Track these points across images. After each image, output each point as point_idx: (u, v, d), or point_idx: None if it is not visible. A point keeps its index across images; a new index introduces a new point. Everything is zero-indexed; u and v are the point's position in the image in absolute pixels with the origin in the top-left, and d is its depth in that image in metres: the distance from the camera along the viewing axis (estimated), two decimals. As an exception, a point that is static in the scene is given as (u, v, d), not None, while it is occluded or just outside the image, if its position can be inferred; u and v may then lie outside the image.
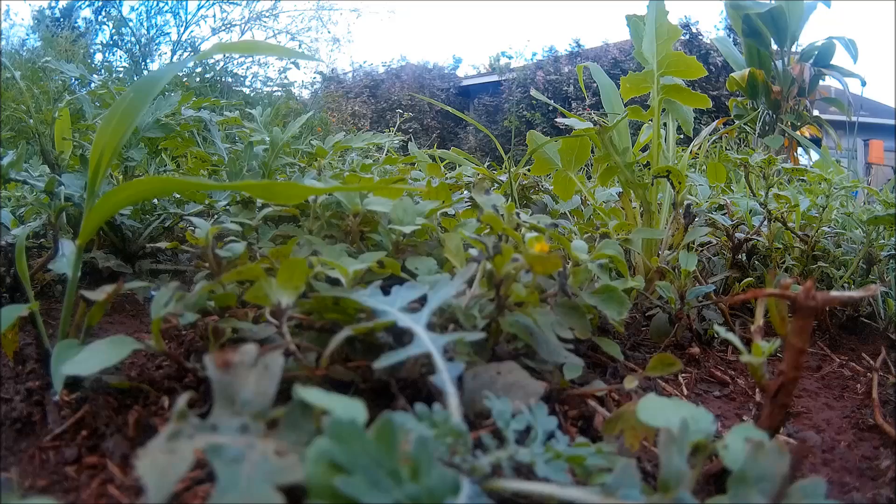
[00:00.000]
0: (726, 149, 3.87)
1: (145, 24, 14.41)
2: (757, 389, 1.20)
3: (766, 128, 8.52)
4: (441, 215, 1.26)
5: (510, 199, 1.83)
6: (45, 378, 0.85)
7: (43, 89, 1.72)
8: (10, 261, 1.17)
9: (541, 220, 1.13)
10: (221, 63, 10.67)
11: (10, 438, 0.76)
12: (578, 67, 2.10)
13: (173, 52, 14.17)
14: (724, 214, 1.73)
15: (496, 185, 1.96)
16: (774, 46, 8.96)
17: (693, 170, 2.19)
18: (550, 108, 13.84)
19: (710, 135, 2.06)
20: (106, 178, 0.92)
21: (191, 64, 8.89)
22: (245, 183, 0.77)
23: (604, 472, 0.58)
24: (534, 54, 18.93)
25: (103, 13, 14.38)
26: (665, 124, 1.74)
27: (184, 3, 15.22)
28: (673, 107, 1.69)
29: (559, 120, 1.62)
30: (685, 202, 1.49)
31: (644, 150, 1.75)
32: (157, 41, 14.38)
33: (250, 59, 13.00)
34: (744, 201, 1.81)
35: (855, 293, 0.69)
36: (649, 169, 1.58)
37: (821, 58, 9.01)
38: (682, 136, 1.91)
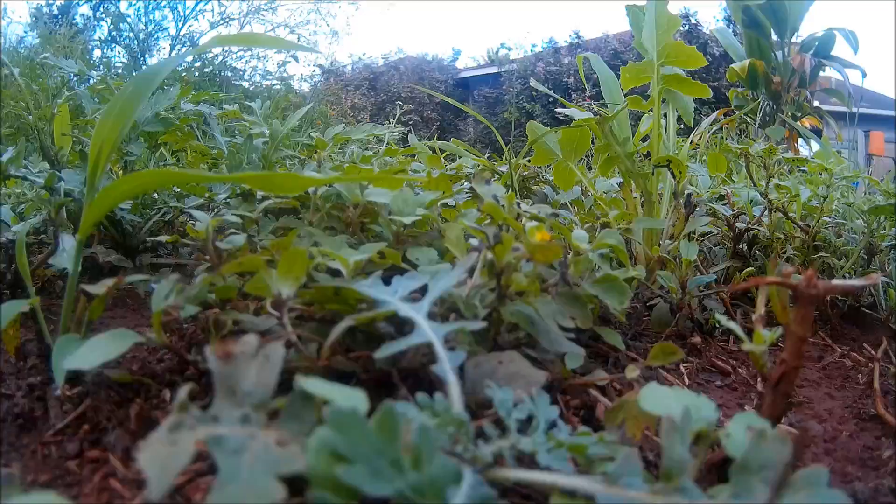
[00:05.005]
0: (727, 139, 3.86)
1: (143, 19, 14.38)
2: (759, 379, 1.19)
3: (767, 119, 8.50)
4: (442, 206, 1.25)
5: (510, 189, 1.83)
6: (47, 373, 0.85)
7: (42, 86, 1.71)
8: (11, 257, 1.17)
9: (541, 210, 1.13)
10: (220, 57, 10.66)
11: (13, 434, 0.75)
12: (578, 58, 2.09)
13: (172, 48, 14.16)
14: (724, 204, 1.73)
15: (496, 175, 1.96)
16: (774, 37, 8.94)
17: (694, 160, 2.19)
18: (551, 99, 13.82)
19: (710, 125, 2.06)
20: (106, 173, 0.91)
21: (189, 58, 8.88)
22: (244, 175, 0.77)
23: (606, 461, 0.58)
24: (533, 46, 18.89)
25: (101, 9, 14.36)
26: (665, 114, 1.73)
27: (182, -3, 15.19)
28: (673, 97, 1.69)
29: (560, 110, 1.62)
30: (686, 192, 1.49)
31: (644, 140, 1.75)
32: (155, 36, 14.36)
33: (249, 52, 12.98)
34: (744, 191, 1.81)
35: (856, 282, 0.69)
36: (650, 159, 1.58)
37: (821, 49, 8.98)
38: (682, 127, 1.91)
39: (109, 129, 0.85)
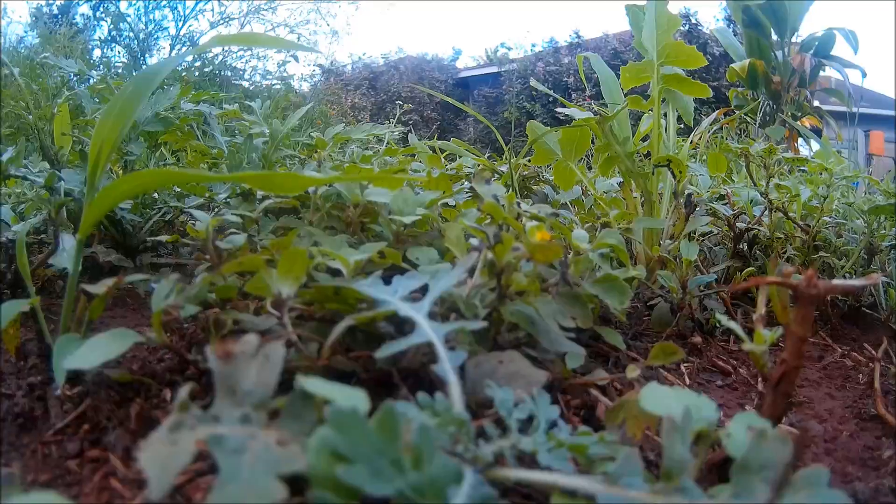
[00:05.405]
0: (727, 139, 3.86)
1: (143, 19, 14.40)
2: (759, 378, 1.19)
3: (767, 118, 8.50)
4: (442, 206, 1.25)
5: (511, 189, 1.83)
6: (47, 373, 0.85)
7: (42, 86, 1.71)
8: (11, 256, 1.17)
9: (541, 210, 1.12)
10: (220, 57, 10.67)
11: (13, 433, 0.75)
12: (578, 58, 2.09)
13: (172, 47, 14.17)
14: (725, 204, 1.73)
15: (497, 175, 1.96)
16: (774, 37, 8.93)
17: (694, 160, 2.19)
18: (551, 98, 13.82)
19: (710, 125, 2.05)
20: (106, 172, 0.91)
21: (190, 57, 8.88)
22: (244, 174, 0.77)
23: (606, 461, 0.58)
24: (533, 45, 18.87)
25: (101, 9, 14.37)
26: (665, 114, 1.73)
27: (181, -3, 15.19)
28: (673, 96, 1.69)
29: (560, 110, 1.62)
30: (686, 192, 1.49)
31: (644, 139, 1.75)
32: (155, 36, 14.37)
33: (249, 52, 13.00)
34: (745, 191, 1.81)
35: (856, 282, 0.69)
36: (650, 158, 1.58)
37: (821, 48, 8.98)
38: (682, 127, 1.91)
39: (109, 128, 0.85)
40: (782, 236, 1.76)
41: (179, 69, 7.12)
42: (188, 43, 14.33)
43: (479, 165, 2.07)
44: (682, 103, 1.71)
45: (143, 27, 14.10)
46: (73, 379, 0.82)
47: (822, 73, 9.21)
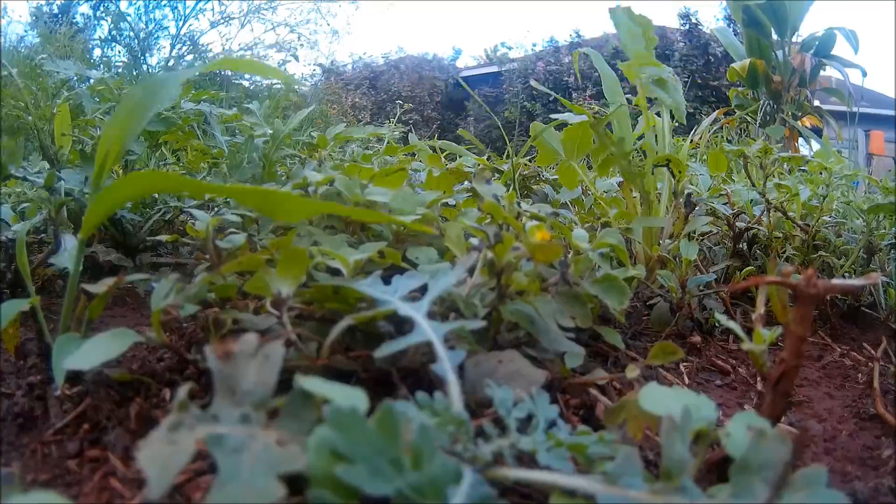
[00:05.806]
0: (728, 139, 3.86)
1: (144, 18, 14.38)
2: (758, 378, 1.19)
3: (767, 118, 8.49)
4: (442, 205, 1.25)
5: (511, 188, 1.83)
6: (47, 372, 0.85)
7: (42, 85, 1.71)
8: (11, 256, 1.18)
9: (542, 209, 1.13)
10: (221, 56, 10.65)
11: (13, 433, 0.75)
12: (575, 53, 2.08)
13: (172, 47, 14.14)
14: (724, 204, 1.73)
15: (497, 174, 1.96)
16: (775, 37, 8.93)
17: (694, 159, 2.18)
18: (551, 98, 13.82)
19: (710, 125, 2.06)
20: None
21: (189, 57, 8.89)
22: (244, 189, 0.77)
23: (606, 461, 0.58)
24: (534, 45, 18.84)
25: (102, 8, 14.35)
26: (658, 113, 1.73)
27: (182, -4, 15.16)
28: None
29: (553, 116, 1.62)
30: (685, 191, 1.49)
31: (642, 138, 1.74)
32: (155, 36, 14.34)
33: (250, 52, 12.99)
34: (745, 191, 1.81)
35: (856, 281, 0.69)
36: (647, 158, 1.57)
37: (821, 48, 8.97)
38: (679, 125, 1.90)
39: (115, 136, 0.85)
40: (781, 236, 1.76)
41: (180, 66, 7.12)
42: (189, 42, 14.31)
43: (478, 165, 2.08)
44: (671, 101, 1.70)
45: (144, 26, 14.08)
46: (72, 378, 0.82)
47: (822, 72, 9.20)
